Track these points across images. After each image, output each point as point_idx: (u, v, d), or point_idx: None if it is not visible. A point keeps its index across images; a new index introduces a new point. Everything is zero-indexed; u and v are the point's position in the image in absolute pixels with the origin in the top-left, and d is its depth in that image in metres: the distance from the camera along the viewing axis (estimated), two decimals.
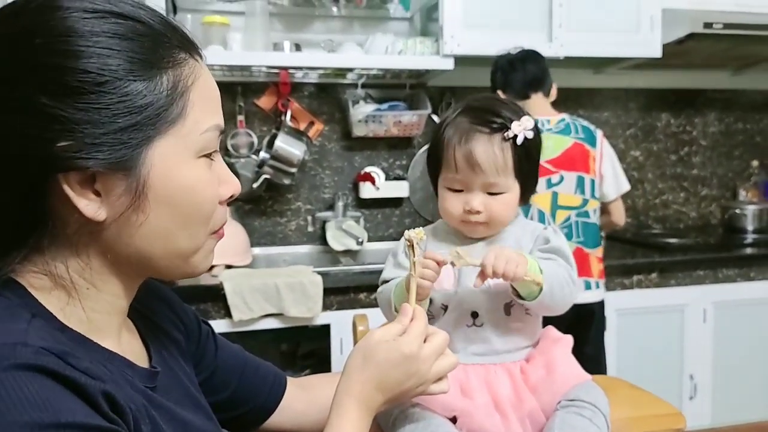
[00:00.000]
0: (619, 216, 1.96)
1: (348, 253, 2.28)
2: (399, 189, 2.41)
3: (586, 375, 0.84)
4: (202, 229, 0.57)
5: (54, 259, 0.53)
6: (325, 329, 1.82)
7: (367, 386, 0.66)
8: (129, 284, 0.58)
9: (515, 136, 0.84)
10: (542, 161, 1.69)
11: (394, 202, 2.49)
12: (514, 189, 0.88)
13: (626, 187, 1.94)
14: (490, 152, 0.84)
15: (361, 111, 2.26)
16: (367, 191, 2.37)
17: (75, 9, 0.50)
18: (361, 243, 2.24)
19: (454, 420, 0.80)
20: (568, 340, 0.89)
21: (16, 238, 0.52)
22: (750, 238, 2.49)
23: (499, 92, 1.88)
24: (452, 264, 0.79)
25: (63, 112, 0.48)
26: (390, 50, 2.15)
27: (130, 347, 0.61)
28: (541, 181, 1.72)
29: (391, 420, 0.80)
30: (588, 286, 1.82)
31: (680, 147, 2.83)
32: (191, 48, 0.57)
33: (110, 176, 0.51)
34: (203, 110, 0.56)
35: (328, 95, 2.39)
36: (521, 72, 1.86)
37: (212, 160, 0.58)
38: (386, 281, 0.90)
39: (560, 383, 0.81)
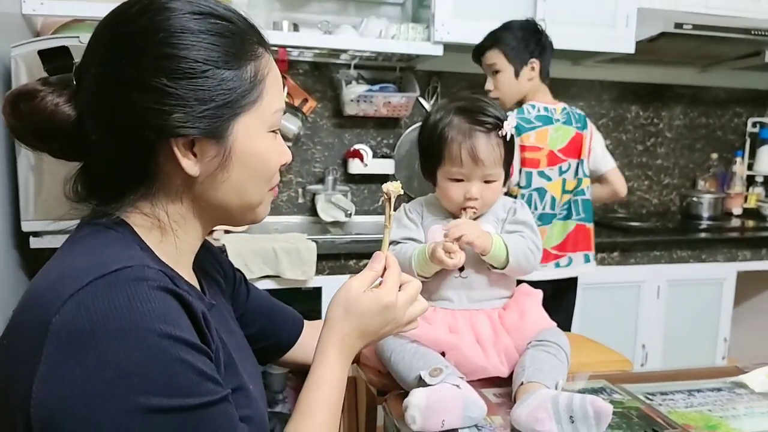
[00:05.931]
0: (621, 185, 2.00)
1: (336, 224, 2.41)
2: (385, 166, 2.54)
3: (552, 322, 1.02)
4: (265, 185, 0.72)
5: (157, 205, 0.67)
6: (317, 291, 1.96)
7: (350, 336, 0.75)
8: (206, 229, 0.73)
9: (506, 134, 1.00)
10: (555, 150, 1.82)
11: (381, 179, 2.60)
12: (501, 177, 1.04)
13: (612, 163, 2.00)
14: (489, 148, 1.00)
15: (353, 91, 2.38)
16: (355, 167, 2.49)
17: (185, 11, 0.63)
18: (350, 215, 2.38)
19: (442, 355, 0.96)
20: (538, 294, 1.06)
21: (130, 186, 0.66)
22: (705, 224, 2.67)
23: (536, 61, 1.86)
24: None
25: (178, 90, 0.61)
26: (384, 34, 2.28)
27: (194, 282, 0.75)
28: (554, 170, 1.80)
29: (389, 354, 0.96)
30: (587, 259, 1.90)
31: (647, 138, 3.00)
32: (266, 44, 0.70)
33: (206, 142, 0.64)
34: (274, 95, 0.70)
35: (321, 74, 2.50)
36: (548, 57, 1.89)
37: (275, 134, 0.72)
38: (394, 242, 1.05)
39: (530, 327, 0.98)
